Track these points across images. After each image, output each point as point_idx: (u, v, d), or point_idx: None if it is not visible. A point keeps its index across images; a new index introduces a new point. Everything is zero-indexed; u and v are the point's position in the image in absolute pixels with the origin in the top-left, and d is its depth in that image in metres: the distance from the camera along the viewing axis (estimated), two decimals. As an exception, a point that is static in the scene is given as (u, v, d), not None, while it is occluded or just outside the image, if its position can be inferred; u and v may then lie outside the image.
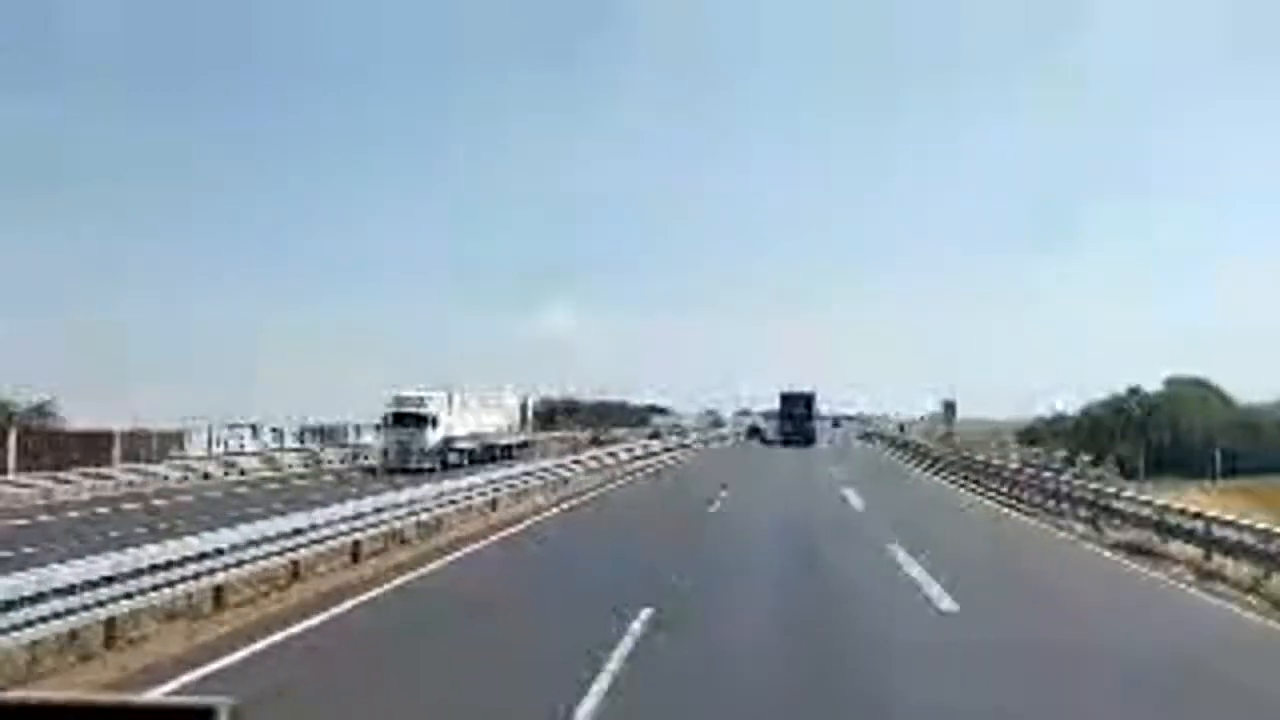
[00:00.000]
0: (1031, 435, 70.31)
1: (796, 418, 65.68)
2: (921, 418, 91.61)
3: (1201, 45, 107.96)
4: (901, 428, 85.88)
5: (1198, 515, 16.32)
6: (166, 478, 30.22)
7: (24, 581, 8.28)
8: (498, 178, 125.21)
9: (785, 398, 67.57)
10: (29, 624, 8.21)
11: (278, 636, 9.79)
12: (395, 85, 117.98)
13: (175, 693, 7.41)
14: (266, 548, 12.03)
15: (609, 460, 36.01)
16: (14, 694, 1.47)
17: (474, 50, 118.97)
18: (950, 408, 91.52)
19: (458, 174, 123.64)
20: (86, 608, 8.87)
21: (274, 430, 40.36)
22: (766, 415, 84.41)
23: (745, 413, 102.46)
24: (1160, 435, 47.36)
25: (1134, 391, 49.66)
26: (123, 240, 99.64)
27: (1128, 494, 21.10)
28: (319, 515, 13.66)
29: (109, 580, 9.14)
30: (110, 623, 9.31)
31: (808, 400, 67.65)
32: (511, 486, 23.06)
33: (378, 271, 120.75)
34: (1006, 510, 24.63)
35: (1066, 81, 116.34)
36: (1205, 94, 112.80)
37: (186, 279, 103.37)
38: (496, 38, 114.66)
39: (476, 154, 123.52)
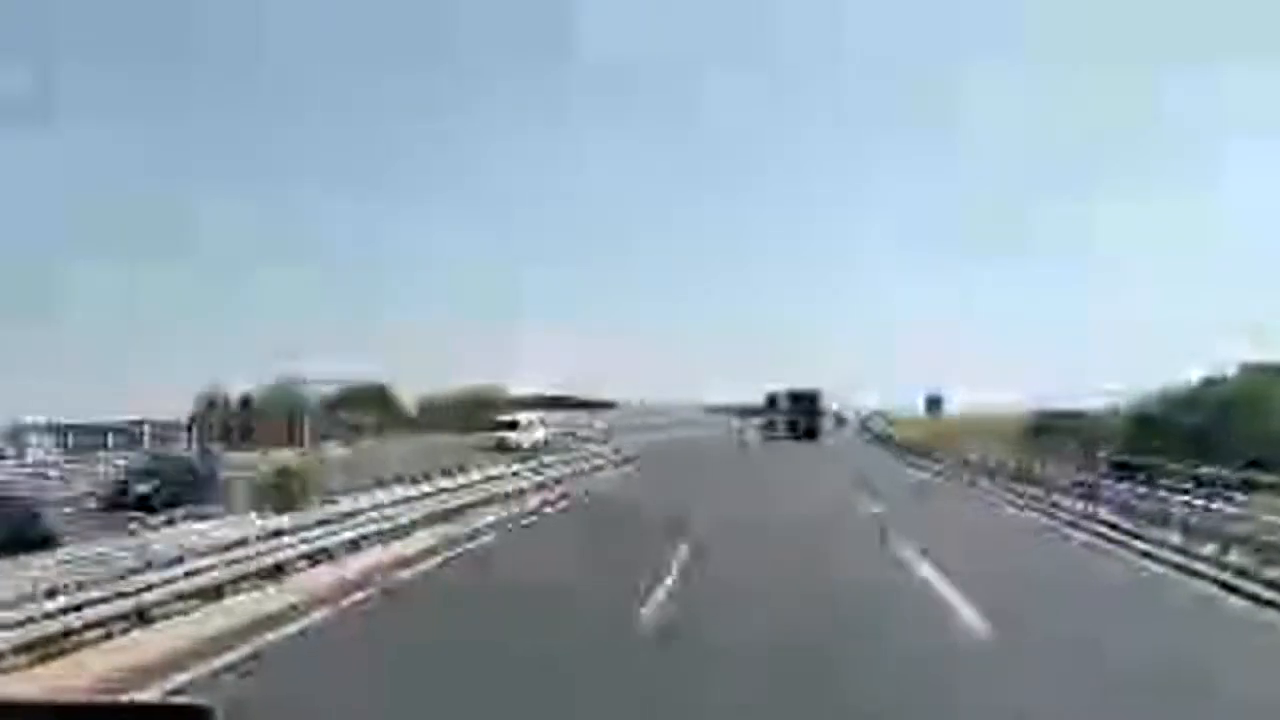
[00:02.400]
0: (1039, 430, 60.38)
1: (803, 414, 68.38)
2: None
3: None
4: (890, 423, 78.91)
5: None
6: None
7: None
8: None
9: (794, 396, 70.28)
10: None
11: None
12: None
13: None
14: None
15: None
16: (13, 694, 1.63)
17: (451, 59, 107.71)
18: (936, 402, 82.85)
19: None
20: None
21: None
22: (745, 412, 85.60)
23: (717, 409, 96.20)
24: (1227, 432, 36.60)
25: (1211, 382, 38.31)
26: None
27: None
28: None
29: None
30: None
31: (813, 398, 69.78)
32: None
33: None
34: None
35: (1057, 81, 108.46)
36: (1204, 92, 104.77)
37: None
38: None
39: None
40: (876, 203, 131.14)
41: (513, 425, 49.75)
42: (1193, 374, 40.90)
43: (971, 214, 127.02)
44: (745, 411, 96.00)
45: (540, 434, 50.99)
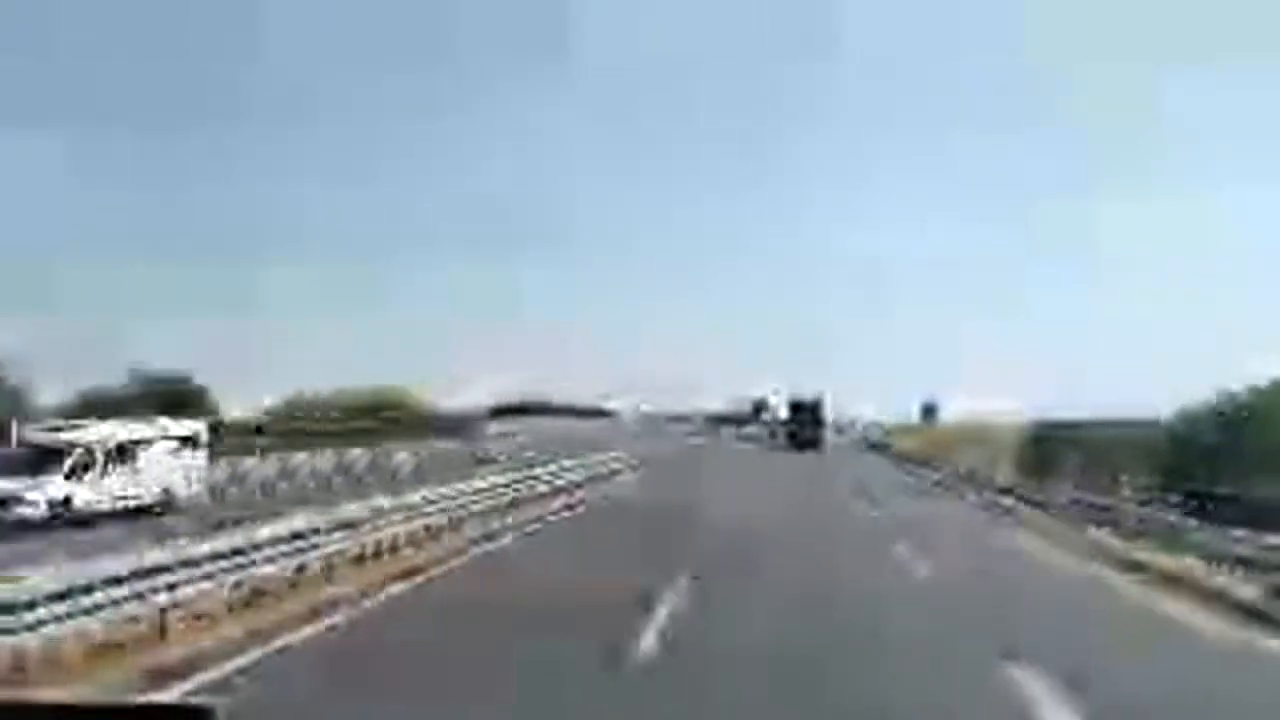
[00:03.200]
0: (1038, 441, 58.16)
1: (804, 424, 65.07)
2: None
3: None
4: (887, 432, 77.62)
5: None
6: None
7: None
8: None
9: (794, 405, 67.36)
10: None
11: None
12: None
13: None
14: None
15: None
16: (13, 693, 1.56)
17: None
18: (930, 411, 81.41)
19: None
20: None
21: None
22: (721, 419, 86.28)
23: (683, 418, 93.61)
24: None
25: (1259, 395, 34.39)
26: None
27: None
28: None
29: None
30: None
31: (814, 406, 66.48)
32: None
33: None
34: None
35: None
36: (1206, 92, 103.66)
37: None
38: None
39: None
40: (873, 203, 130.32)
41: (50, 458, 20.69)
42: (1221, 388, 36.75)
43: (968, 214, 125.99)
44: (728, 420, 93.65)
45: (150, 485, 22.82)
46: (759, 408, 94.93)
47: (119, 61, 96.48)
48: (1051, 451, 49.49)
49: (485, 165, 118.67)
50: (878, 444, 67.92)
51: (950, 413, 79.69)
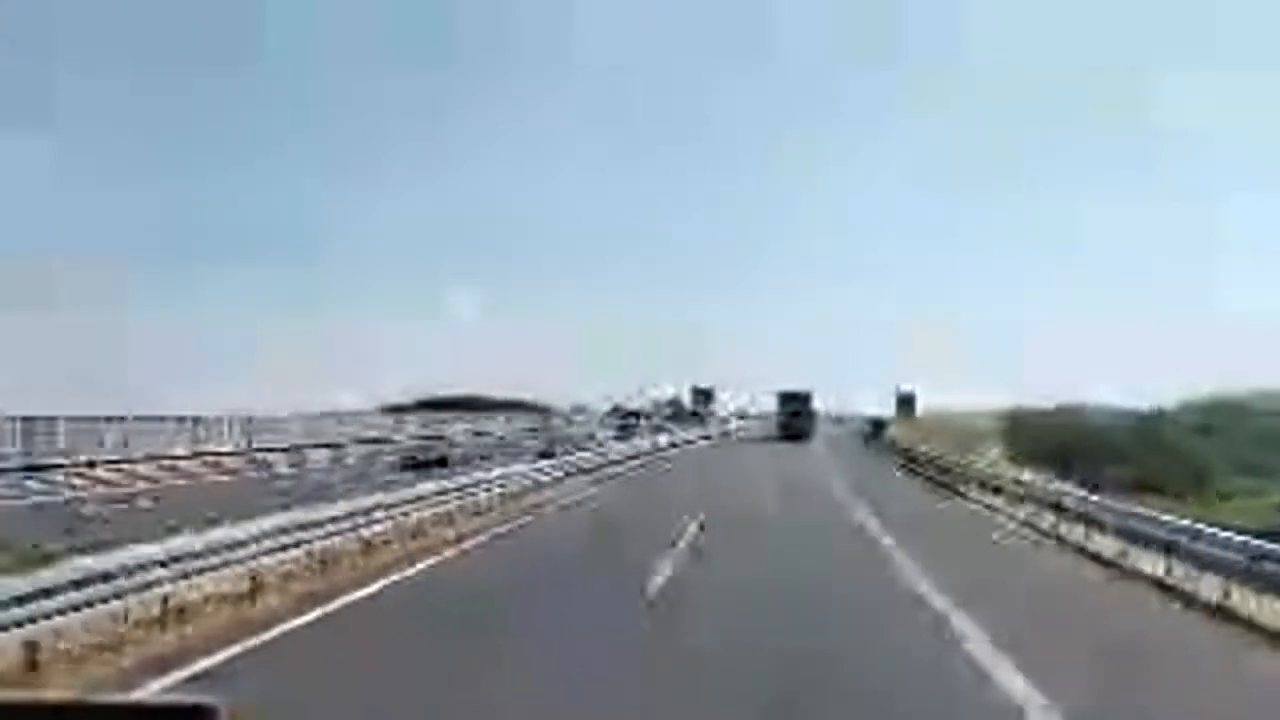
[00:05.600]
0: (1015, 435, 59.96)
1: (796, 415, 67.31)
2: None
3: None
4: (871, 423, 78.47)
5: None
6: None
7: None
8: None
9: (784, 396, 69.03)
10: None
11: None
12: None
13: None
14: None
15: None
16: (12, 693, 1.42)
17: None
18: (907, 401, 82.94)
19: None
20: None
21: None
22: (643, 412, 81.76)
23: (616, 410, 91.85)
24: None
25: None
26: None
27: None
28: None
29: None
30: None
31: (805, 399, 68.83)
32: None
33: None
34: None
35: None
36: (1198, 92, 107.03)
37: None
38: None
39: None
40: (872, 203, 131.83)
41: None
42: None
43: (960, 213, 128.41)
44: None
45: None
46: (703, 395, 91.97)
47: (119, 61, 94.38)
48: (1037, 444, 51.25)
49: (485, 166, 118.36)
50: (875, 429, 69.99)
51: (934, 403, 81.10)
